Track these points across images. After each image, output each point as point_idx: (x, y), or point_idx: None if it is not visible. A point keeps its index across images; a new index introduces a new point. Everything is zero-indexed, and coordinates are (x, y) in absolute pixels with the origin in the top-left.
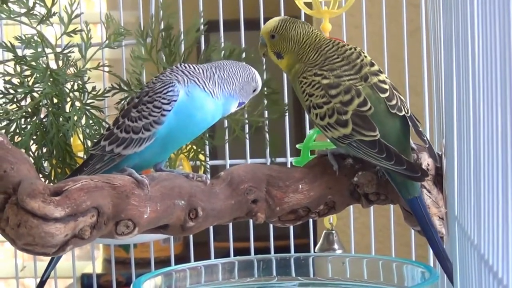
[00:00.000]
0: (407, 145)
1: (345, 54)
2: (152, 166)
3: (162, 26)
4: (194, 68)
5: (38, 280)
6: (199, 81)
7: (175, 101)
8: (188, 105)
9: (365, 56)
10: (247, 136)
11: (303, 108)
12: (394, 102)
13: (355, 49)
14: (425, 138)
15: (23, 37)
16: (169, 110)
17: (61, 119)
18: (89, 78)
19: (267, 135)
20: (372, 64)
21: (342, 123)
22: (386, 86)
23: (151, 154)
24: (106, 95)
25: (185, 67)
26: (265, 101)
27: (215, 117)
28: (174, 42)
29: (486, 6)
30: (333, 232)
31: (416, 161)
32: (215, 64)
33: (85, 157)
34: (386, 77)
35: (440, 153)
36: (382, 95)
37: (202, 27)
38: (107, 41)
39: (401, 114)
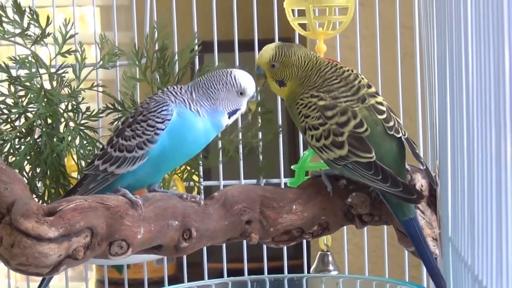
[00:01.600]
0: (403, 167)
1: (343, 76)
2: (145, 186)
3: (156, 47)
4: (181, 88)
5: None
6: (185, 102)
7: (169, 120)
8: (180, 125)
9: (362, 78)
10: (241, 157)
11: (298, 129)
12: (391, 123)
13: (352, 71)
14: (422, 160)
15: (18, 58)
16: (163, 129)
17: (55, 139)
18: (83, 99)
19: (260, 157)
20: (369, 86)
21: (338, 144)
22: (384, 108)
23: (144, 174)
24: (100, 115)
25: (173, 89)
26: (259, 122)
27: (208, 136)
28: (168, 63)
29: (480, 29)
30: (328, 253)
31: (410, 182)
32: (191, 83)
33: (79, 177)
34: (383, 99)
35: (434, 175)
36: (380, 117)
37: (196, 47)
38: (101, 62)
39: (398, 135)
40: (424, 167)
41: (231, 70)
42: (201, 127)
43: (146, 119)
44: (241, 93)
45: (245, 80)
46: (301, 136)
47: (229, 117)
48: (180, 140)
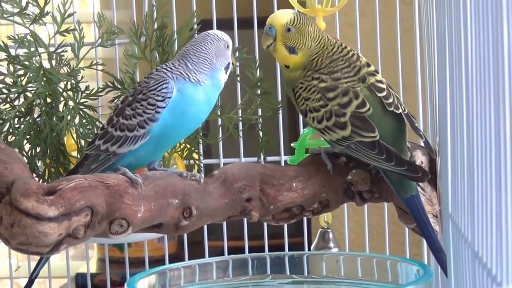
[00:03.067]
0: (404, 144)
1: (347, 56)
2: (146, 165)
3: (155, 26)
4: (173, 63)
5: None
6: (183, 74)
7: (169, 98)
8: (181, 101)
9: (361, 57)
10: (241, 134)
11: (295, 114)
12: (391, 100)
13: (353, 51)
14: (421, 133)
15: (16, 37)
16: (164, 107)
17: (54, 118)
18: (82, 78)
19: (260, 133)
20: (368, 65)
21: (341, 125)
22: (383, 86)
23: (145, 152)
24: (100, 94)
25: (167, 65)
26: (259, 100)
27: (211, 103)
28: (168, 41)
29: (478, 4)
30: (329, 230)
31: (411, 159)
32: (179, 57)
33: (79, 156)
34: (381, 77)
35: (435, 156)
36: (380, 94)
37: (195, 26)
38: (99, 40)
39: (398, 111)
40: (424, 140)
41: (207, 32)
42: (202, 97)
43: (146, 98)
44: (227, 46)
45: (224, 34)
46: (302, 118)
47: (225, 72)
48: (183, 116)
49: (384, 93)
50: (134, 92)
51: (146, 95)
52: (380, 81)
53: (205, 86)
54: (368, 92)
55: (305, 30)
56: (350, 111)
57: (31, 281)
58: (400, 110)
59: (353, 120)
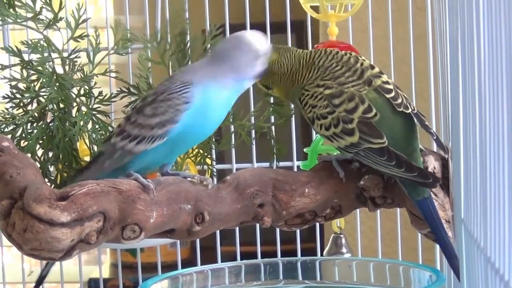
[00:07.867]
0: (415, 144)
1: (343, 60)
2: (159, 167)
3: (169, 30)
4: (199, 64)
5: (45, 285)
6: (206, 77)
7: (191, 102)
8: (202, 106)
9: (364, 60)
10: (253, 142)
11: (306, 120)
12: (399, 100)
13: (351, 54)
14: (432, 131)
15: (30, 42)
16: (184, 111)
17: (67, 124)
18: (95, 83)
19: (272, 141)
20: (372, 67)
21: (348, 132)
22: (391, 86)
23: (161, 154)
24: (113, 99)
25: (192, 67)
26: (271, 107)
27: (229, 108)
28: (189, 47)
29: (492, 10)
30: (341, 236)
31: (424, 162)
32: (208, 57)
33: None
34: (388, 78)
35: (446, 154)
36: (388, 95)
37: (216, 31)
38: (115, 47)
39: (407, 111)
40: (435, 137)
41: (242, 35)
42: (222, 101)
43: (168, 99)
44: (257, 57)
45: (259, 43)
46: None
47: (251, 81)
48: (202, 120)
49: (392, 94)
50: (156, 92)
51: (168, 96)
52: (387, 82)
53: (226, 91)
54: (375, 95)
55: (271, 70)
56: (357, 116)
57: (41, 278)
58: (410, 110)
59: (361, 127)
